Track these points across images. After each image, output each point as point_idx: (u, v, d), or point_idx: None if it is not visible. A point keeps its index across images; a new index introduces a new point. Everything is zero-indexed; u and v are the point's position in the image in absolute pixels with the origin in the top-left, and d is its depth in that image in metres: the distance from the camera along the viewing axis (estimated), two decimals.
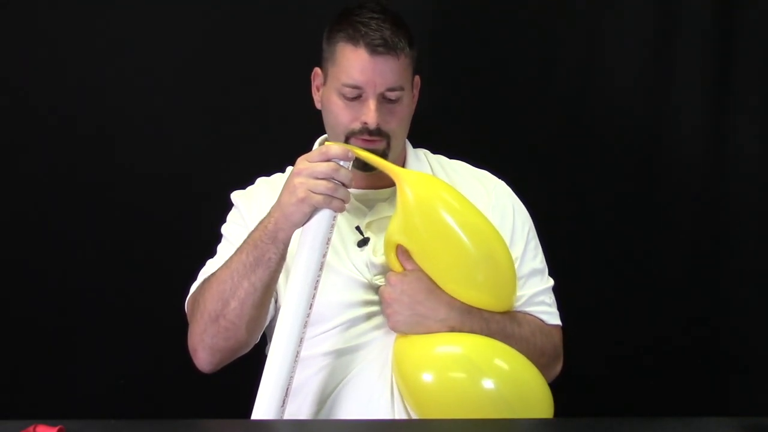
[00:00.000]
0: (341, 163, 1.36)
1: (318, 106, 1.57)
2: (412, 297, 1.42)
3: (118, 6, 1.97)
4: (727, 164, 2.02)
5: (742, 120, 2.01)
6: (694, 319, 2.05)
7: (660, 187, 2.04)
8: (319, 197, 1.34)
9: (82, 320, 1.99)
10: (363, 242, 1.52)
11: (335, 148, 1.37)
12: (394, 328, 1.44)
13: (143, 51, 1.98)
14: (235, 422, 1.38)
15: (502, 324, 1.46)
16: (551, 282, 1.58)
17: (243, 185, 1.63)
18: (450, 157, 1.67)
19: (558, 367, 1.56)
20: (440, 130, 1.87)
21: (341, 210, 1.37)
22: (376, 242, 1.51)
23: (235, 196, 1.61)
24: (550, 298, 1.57)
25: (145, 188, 1.98)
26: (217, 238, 1.60)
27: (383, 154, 1.48)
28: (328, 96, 1.52)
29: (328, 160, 1.36)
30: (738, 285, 2.03)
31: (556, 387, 1.90)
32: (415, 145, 1.65)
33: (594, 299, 2.01)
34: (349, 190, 1.47)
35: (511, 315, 1.49)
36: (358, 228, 1.53)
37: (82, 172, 1.98)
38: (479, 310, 1.43)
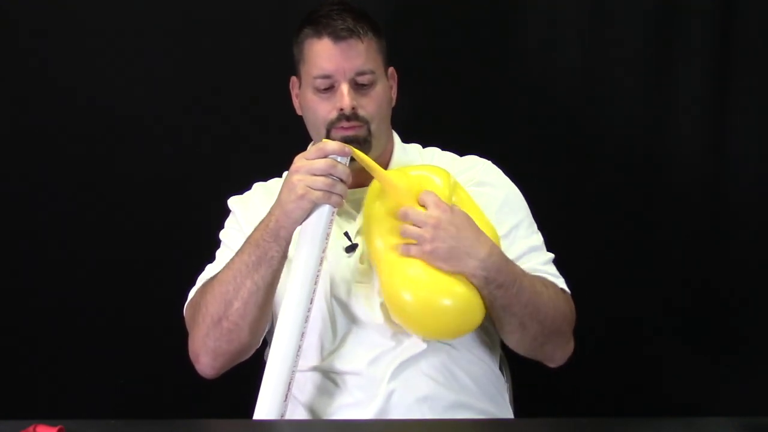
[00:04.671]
0: (339, 159, 1.37)
1: (299, 112, 1.59)
2: (460, 228, 1.37)
3: (118, 9, 1.97)
4: (726, 164, 2.02)
5: (743, 120, 2.01)
6: (694, 318, 2.05)
7: (659, 187, 2.04)
8: (318, 193, 1.35)
9: (82, 320, 1.99)
10: (351, 248, 1.52)
11: (332, 144, 1.37)
12: (429, 255, 1.36)
13: (141, 55, 1.98)
14: (236, 422, 1.38)
15: (533, 281, 1.44)
16: (551, 255, 1.56)
17: (241, 191, 1.63)
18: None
19: (572, 342, 1.52)
20: (438, 129, 1.88)
21: (339, 205, 1.37)
22: (363, 250, 1.50)
23: (232, 202, 1.62)
24: (554, 269, 1.54)
25: (146, 192, 1.99)
26: (217, 242, 1.60)
27: (366, 141, 1.49)
28: (304, 96, 1.54)
29: (326, 157, 1.36)
30: (738, 284, 2.03)
31: (555, 386, 1.90)
32: (408, 141, 1.66)
33: (594, 299, 2.01)
34: None
35: (537, 276, 1.47)
36: (346, 234, 1.53)
37: (83, 176, 1.99)
38: (514, 264, 1.42)
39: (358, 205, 1.53)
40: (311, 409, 1.48)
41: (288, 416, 1.49)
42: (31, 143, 1.98)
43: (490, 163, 1.63)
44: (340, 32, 1.48)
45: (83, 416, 1.23)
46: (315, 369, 1.48)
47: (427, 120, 1.94)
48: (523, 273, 1.43)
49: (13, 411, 1.45)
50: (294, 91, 1.60)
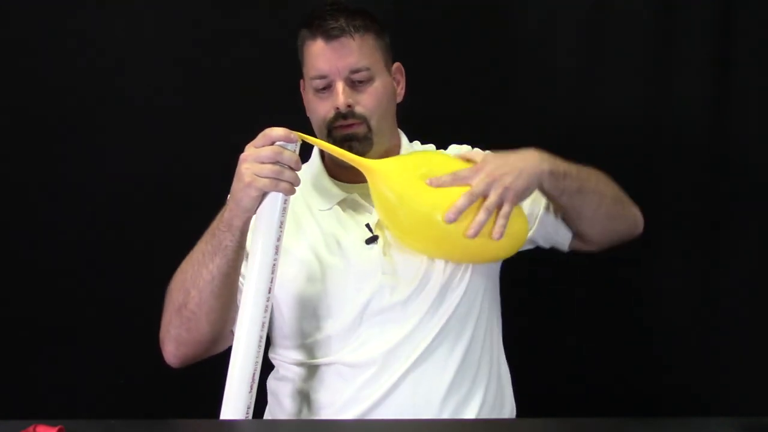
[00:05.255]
0: (288, 146, 1.36)
1: (308, 114, 1.59)
2: (499, 155, 1.42)
3: (117, 6, 1.97)
4: (727, 161, 2.02)
5: (743, 118, 2.01)
6: (694, 318, 2.05)
7: (659, 187, 2.04)
8: (264, 180, 1.34)
9: (82, 320, 1.99)
10: (372, 239, 1.52)
11: (277, 130, 1.36)
12: (513, 193, 1.38)
13: (141, 55, 1.98)
14: (236, 422, 1.38)
15: (586, 169, 1.49)
16: None
17: None
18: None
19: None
20: (438, 130, 1.88)
21: (290, 192, 1.36)
22: (385, 241, 1.51)
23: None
24: None
25: (145, 191, 1.99)
26: None
27: (366, 137, 1.51)
28: (306, 97, 1.57)
29: (273, 144, 1.36)
30: (738, 283, 2.03)
31: (555, 386, 1.90)
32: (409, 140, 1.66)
33: (594, 298, 2.01)
34: (350, 185, 1.52)
35: None
36: (368, 225, 1.53)
37: (84, 173, 1.99)
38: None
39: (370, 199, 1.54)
40: (324, 403, 1.48)
41: (297, 413, 1.50)
42: (31, 143, 1.98)
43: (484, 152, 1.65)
44: (331, 32, 1.50)
45: (83, 416, 1.23)
46: (334, 362, 1.48)
47: (425, 119, 1.93)
48: (570, 164, 1.46)
49: (13, 411, 1.45)
50: (303, 94, 1.60)
